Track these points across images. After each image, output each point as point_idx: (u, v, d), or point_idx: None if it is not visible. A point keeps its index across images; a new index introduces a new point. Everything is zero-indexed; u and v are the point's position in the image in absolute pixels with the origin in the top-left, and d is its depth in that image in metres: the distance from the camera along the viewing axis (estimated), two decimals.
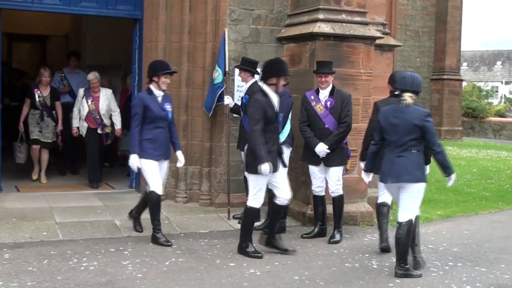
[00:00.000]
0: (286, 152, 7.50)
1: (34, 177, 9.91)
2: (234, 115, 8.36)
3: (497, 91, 47.11)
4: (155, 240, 6.80)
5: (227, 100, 8.20)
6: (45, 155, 9.91)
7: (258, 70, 7.96)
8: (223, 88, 8.17)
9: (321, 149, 7.21)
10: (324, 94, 7.37)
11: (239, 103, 8.18)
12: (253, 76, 7.87)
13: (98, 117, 9.68)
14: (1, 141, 8.84)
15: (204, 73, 8.55)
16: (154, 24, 8.62)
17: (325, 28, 7.98)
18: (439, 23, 23.63)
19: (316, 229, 7.50)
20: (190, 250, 6.66)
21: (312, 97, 7.40)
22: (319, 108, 7.33)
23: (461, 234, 7.49)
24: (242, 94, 8.04)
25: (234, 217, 8.04)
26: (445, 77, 23.14)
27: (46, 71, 9.88)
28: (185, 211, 8.31)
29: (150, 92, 6.93)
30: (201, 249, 6.74)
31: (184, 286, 5.49)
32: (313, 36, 8.04)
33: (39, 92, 9.77)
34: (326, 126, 7.29)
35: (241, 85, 8.47)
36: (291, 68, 8.11)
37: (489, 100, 34.10)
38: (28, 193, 8.93)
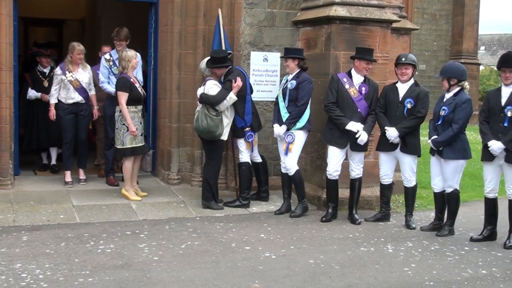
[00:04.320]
0: (303, 137, 7.54)
1: (136, 198, 7.94)
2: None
3: None
4: None
5: None
6: (138, 163, 8.23)
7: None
8: None
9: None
10: (359, 79, 7.39)
11: (255, 87, 8.28)
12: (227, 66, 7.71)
13: None
14: (16, 127, 8.46)
15: None
16: (170, 8, 8.60)
17: (341, 11, 7.92)
18: (457, 6, 23.39)
19: (331, 211, 7.55)
20: (205, 234, 6.69)
21: (345, 80, 7.39)
22: (353, 92, 7.33)
23: (477, 219, 7.44)
24: (267, 78, 8.25)
25: (224, 204, 7.95)
26: (462, 61, 22.85)
27: (135, 52, 7.99)
28: (200, 194, 8.31)
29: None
30: (216, 232, 6.77)
31: (199, 269, 5.53)
32: (329, 20, 7.98)
33: (136, 82, 7.94)
34: (359, 110, 7.31)
35: (256, 69, 8.49)
36: (307, 52, 8.09)
37: None
38: (45, 177, 8.99)
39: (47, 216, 7.04)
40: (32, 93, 9.05)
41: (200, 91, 7.66)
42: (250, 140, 7.80)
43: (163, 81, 8.92)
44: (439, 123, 6.89)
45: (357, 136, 7.21)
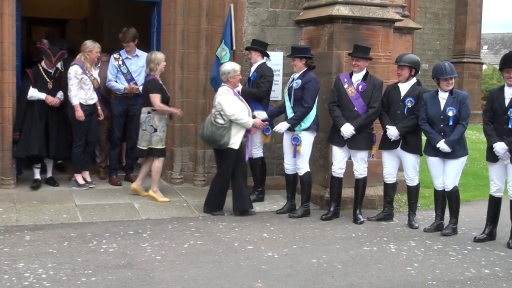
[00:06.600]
0: (310, 138, 7.53)
1: (165, 199, 7.95)
2: None
3: None
4: None
5: None
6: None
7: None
8: None
9: (347, 129, 7.24)
10: (357, 77, 7.42)
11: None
12: (262, 57, 8.03)
13: None
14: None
15: None
16: (172, 7, 8.61)
17: (343, 10, 7.92)
18: (459, 5, 23.36)
19: (332, 209, 7.57)
20: (208, 233, 6.69)
21: (345, 80, 7.44)
22: (351, 91, 7.36)
23: (480, 218, 7.43)
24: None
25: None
26: (465, 60, 22.92)
27: (163, 55, 8.02)
28: (203, 194, 8.30)
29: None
30: (219, 232, 6.78)
31: (202, 269, 5.53)
32: (331, 19, 7.98)
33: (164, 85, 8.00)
34: (356, 108, 7.34)
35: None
36: None
37: None
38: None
39: (50, 216, 7.05)
40: (35, 94, 7.96)
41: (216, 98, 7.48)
42: (267, 133, 7.91)
43: (166, 81, 8.89)
44: (450, 124, 6.85)
45: (341, 129, 7.28)
